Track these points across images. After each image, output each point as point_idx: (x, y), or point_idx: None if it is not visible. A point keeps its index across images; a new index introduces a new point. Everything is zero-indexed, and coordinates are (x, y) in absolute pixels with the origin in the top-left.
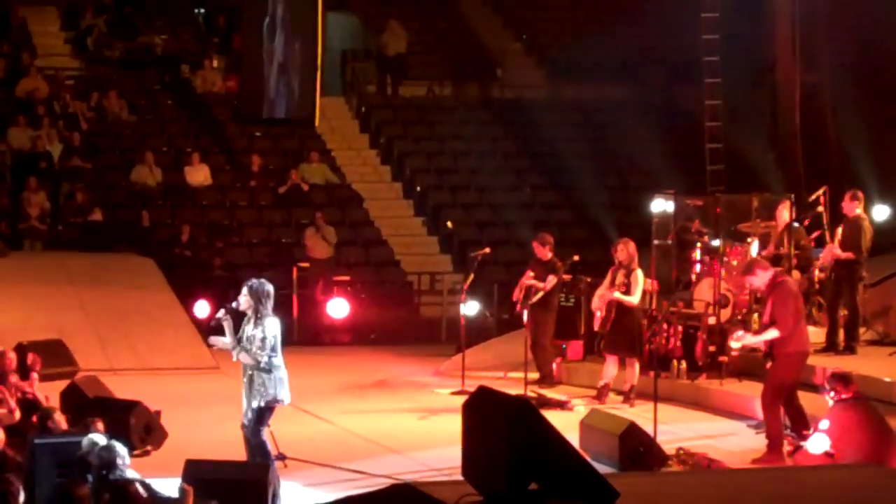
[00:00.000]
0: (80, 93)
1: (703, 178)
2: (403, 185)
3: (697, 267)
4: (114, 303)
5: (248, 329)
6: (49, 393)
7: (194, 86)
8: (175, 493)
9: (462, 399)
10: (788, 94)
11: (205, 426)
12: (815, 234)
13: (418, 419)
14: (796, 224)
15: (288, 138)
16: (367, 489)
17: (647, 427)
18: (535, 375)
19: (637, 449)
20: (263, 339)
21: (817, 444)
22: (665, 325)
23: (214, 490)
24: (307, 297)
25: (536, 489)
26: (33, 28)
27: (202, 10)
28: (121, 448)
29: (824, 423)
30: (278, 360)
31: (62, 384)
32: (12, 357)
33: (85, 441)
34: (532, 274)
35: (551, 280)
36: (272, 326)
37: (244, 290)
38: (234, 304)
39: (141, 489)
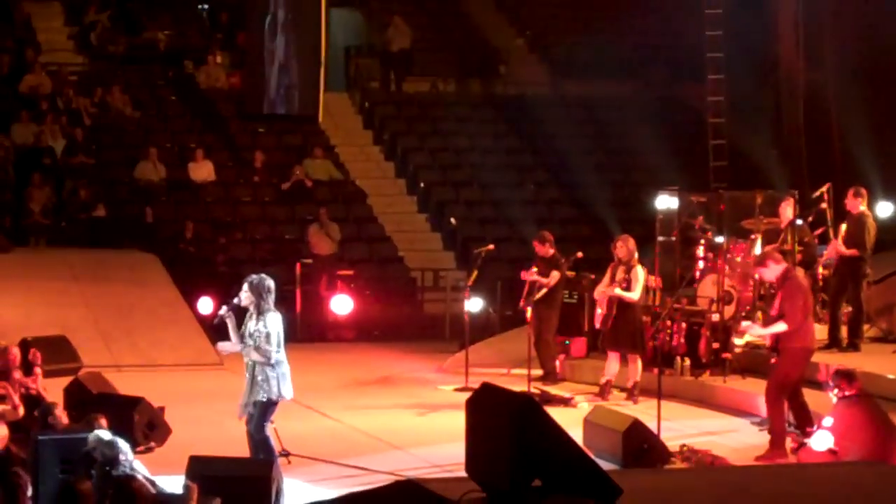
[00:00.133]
0: (84, 88)
1: (706, 174)
2: (407, 181)
3: (701, 264)
4: (117, 299)
5: (251, 325)
6: (53, 389)
7: (198, 82)
8: (179, 490)
9: (465, 396)
10: (792, 90)
11: (208, 422)
12: (818, 231)
13: (421, 416)
14: (800, 221)
15: (291, 134)
16: (370, 486)
17: (651, 424)
18: (538, 372)
19: (641, 446)
20: (269, 335)
21: (821, 441)
22: (669, 322)
23: (218, 486)
24: (311, 294)
25: (540, 486)
26: (37, 24)
27: (206, 6)
28: (123, 444)
29: (828, 420)
30: (281, 355)
31: (66, 380)
32: (16, 353)
33: (91, 437)
34: (536, 270)
35: (554, 276)
36: (274, 321)
37: (245, 287)
38: (235, 301)
39: (148, 486)
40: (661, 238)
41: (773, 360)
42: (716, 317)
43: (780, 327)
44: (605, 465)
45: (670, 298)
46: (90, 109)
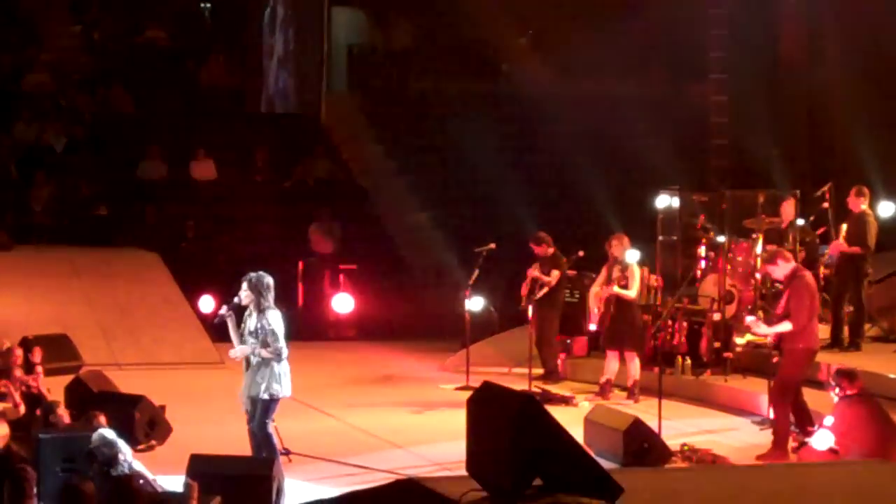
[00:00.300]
0: (86, 87)
1: (708, 174)
2: (409, 179)
3: (702, 263)
4: (119, 297)
5: (251, 323)
6: (54, 387)
7: (200, 80)
8: (180, 489)
9: (466, 395)
10: (794, 89)
11: (209, 421)
12: (820, 231)
13: (422, 414)
14: (801, 221)
15: (293, 133)
16: (371, 484)
17: (652, 423)
18: (539, 371)
19: (641, 445)
20: (274, 331)
21: (822, 440)
22: (670, 321)
23: (219, 485)
24: (312, 292)
25: (541, 485)
26: (39, 22)
27: (208, 5)
28: (123, 444)
29: (829, 420)
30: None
31: (67, 378)
32: (19, 353)
33: (95, 435)
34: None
35: (555, 274)
36: (275, 319)
37: (244, 285)
38: (235, 300)
39: (148, 485)
40: (662, 237)
41: (774, 359)
42: (717, 316)
43: (785, 327)
44: (606, 464)
45: (671, 298)
46: (92, 108)
